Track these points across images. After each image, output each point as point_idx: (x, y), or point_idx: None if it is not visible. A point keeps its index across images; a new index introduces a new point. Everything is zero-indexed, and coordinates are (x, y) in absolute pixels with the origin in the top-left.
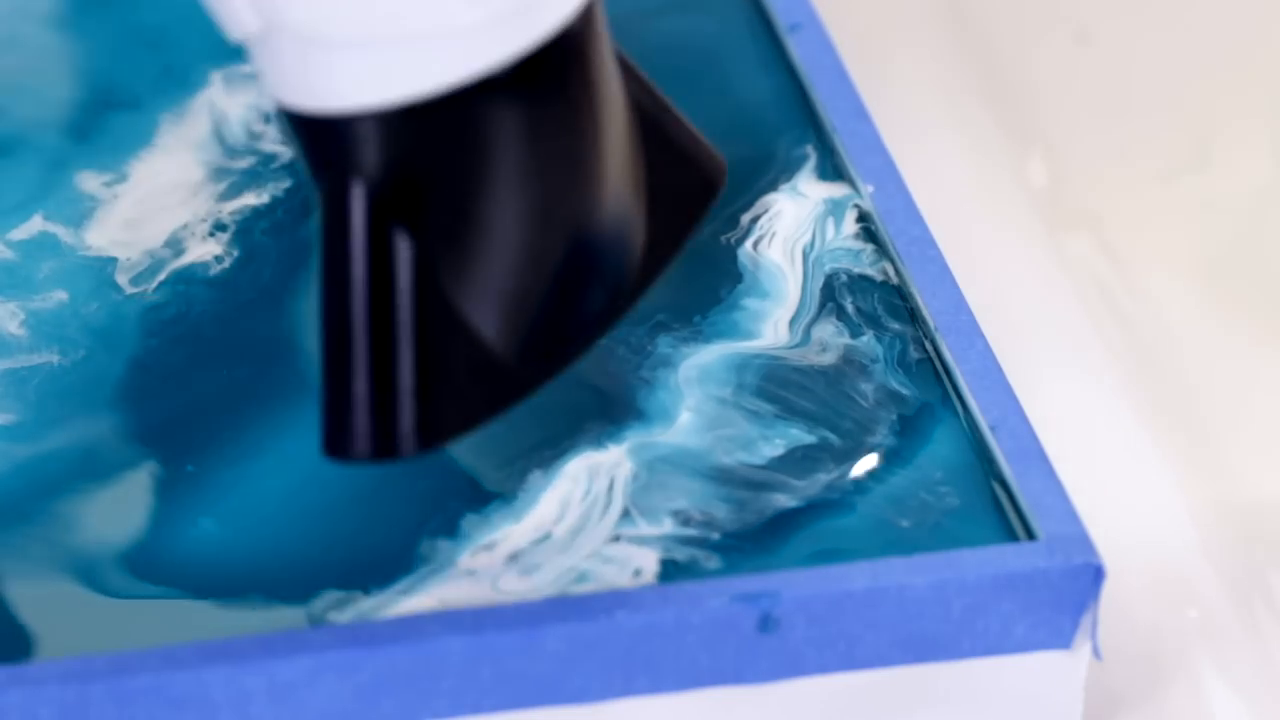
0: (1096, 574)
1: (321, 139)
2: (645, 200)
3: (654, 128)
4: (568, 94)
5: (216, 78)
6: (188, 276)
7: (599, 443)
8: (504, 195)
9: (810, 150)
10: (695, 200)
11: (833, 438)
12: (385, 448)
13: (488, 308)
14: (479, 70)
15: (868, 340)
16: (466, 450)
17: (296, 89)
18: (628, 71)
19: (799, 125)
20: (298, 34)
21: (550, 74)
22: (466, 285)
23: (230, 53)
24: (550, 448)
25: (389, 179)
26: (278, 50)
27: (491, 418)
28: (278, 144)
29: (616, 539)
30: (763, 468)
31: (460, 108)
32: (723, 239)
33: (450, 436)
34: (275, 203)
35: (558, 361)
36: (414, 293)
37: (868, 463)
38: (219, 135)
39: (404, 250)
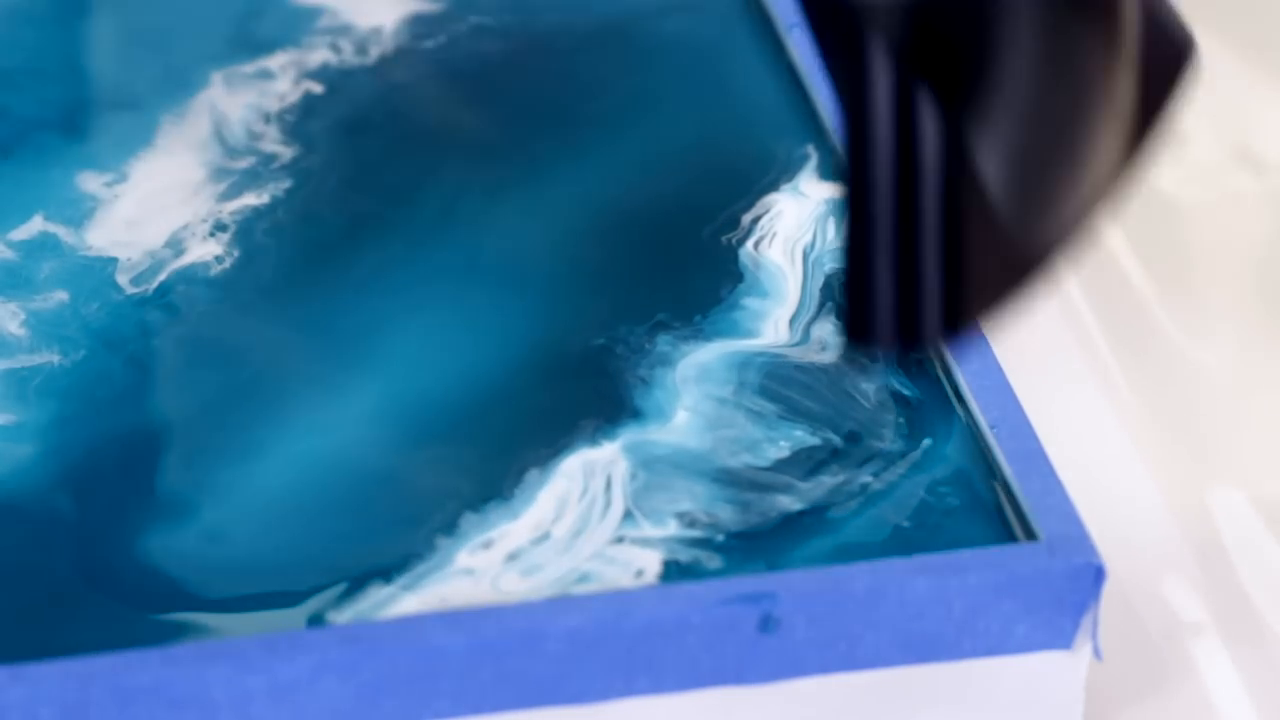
0: (1097, 574)
1: (843, 12)
2: (1138, 66)
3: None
4: None
5: (216, 78)
6: (188, 276)
7: (594, 440)
8: (1027, 59)
9: (811, 150)
10: (1170, 73)
11: (833, 438)
12: (910, 338)
13: (1011, 188)
14: None
15: None
16: (464, 448)
17: None
18: None
19: (799, 125)
20: None
21: None
22: (991, 160)
23: (230, 53)
24: (546, 445)
25: (912, 49)
26: None
27: (1010, 302)
28: (278, 144)
29: (620, 540)
30: (763, 468)
31: None
32: (723, 239)
33: (972, 323)
34: (275, 203)
35: (1066, 234)
36: (938, 169)
37: (868, 463)
38: (219, 135)
39: (928, 122)
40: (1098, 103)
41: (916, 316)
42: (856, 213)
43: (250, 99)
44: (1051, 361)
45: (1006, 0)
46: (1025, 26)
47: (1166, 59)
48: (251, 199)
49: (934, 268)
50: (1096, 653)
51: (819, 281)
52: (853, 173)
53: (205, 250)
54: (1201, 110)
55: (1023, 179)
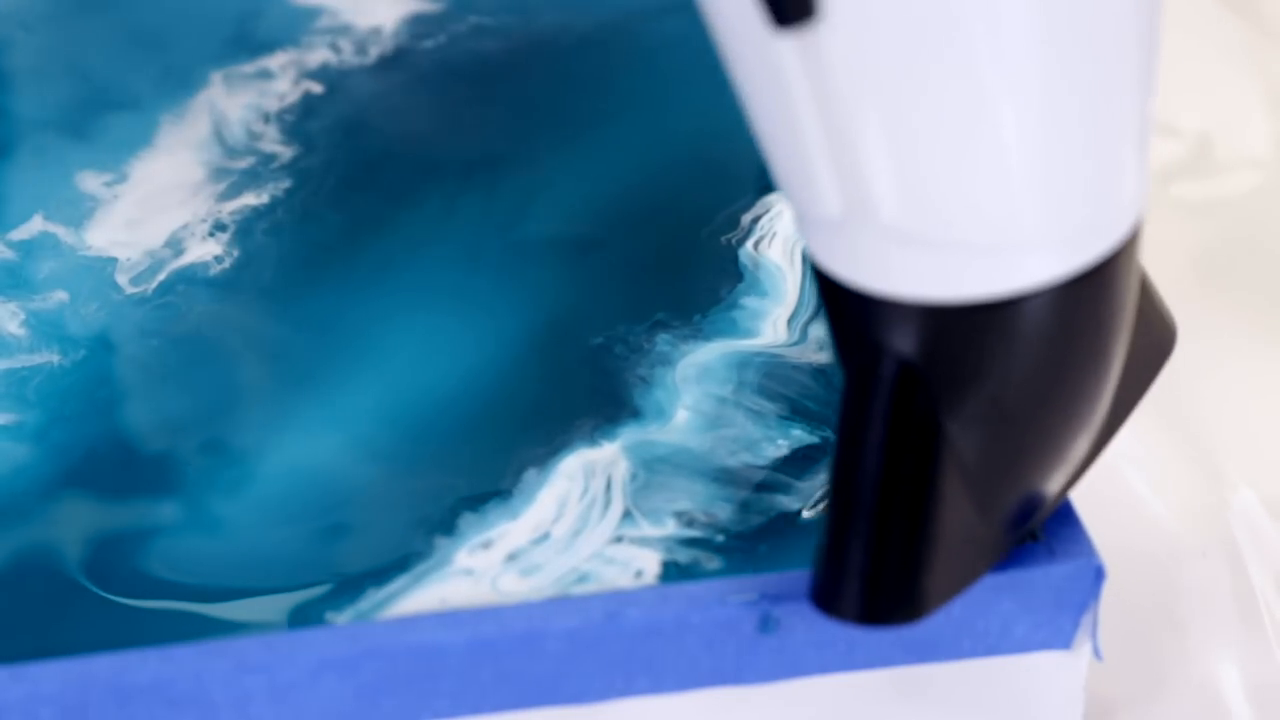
0: (1097, 574)
1: (861, 314)
2: (1122, 370)
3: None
4: (1103, 305)
5: (216, 78)
6: (188, 276)
7: (594, 440)
8: (1026, 386)
9: None
10: (1153, 361)
11: (833, 437)
12: (874, 615)
13: (989, 486)
14: (1030, 285)
15: None
16: (464, 447)
17: (850, 266)
18: None
19: None
20: (874, 227)
21: (1096, 287)
22: (975, 463)
23: (230, 53)
24: (546, 445)
25: (920, 355)
26: (845, 230)
27: (968, 586)
28: (277, 144)
29: (619, 540)
30: (763, 468)
31: (1002, 310)
32: (723, 239)
33: (934, 607)
34: (275, 203)
35: (1024, 528)
36: (926, 465)
37: None
38: (219, 135)
39: (924, 421)
40: (1083, 419)
41: (881, 598)
42: (840, 484)
43: (250, 99)
44: None
45: (1015, 323)
46: (1027, 348)
47: (1148, 353)
48: (251, 199)
49: (905, 555)
50: (1096, 653)
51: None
52: (842, 448)
53: (205, 250)
54: (1200, 109)
55: (1002, 475)
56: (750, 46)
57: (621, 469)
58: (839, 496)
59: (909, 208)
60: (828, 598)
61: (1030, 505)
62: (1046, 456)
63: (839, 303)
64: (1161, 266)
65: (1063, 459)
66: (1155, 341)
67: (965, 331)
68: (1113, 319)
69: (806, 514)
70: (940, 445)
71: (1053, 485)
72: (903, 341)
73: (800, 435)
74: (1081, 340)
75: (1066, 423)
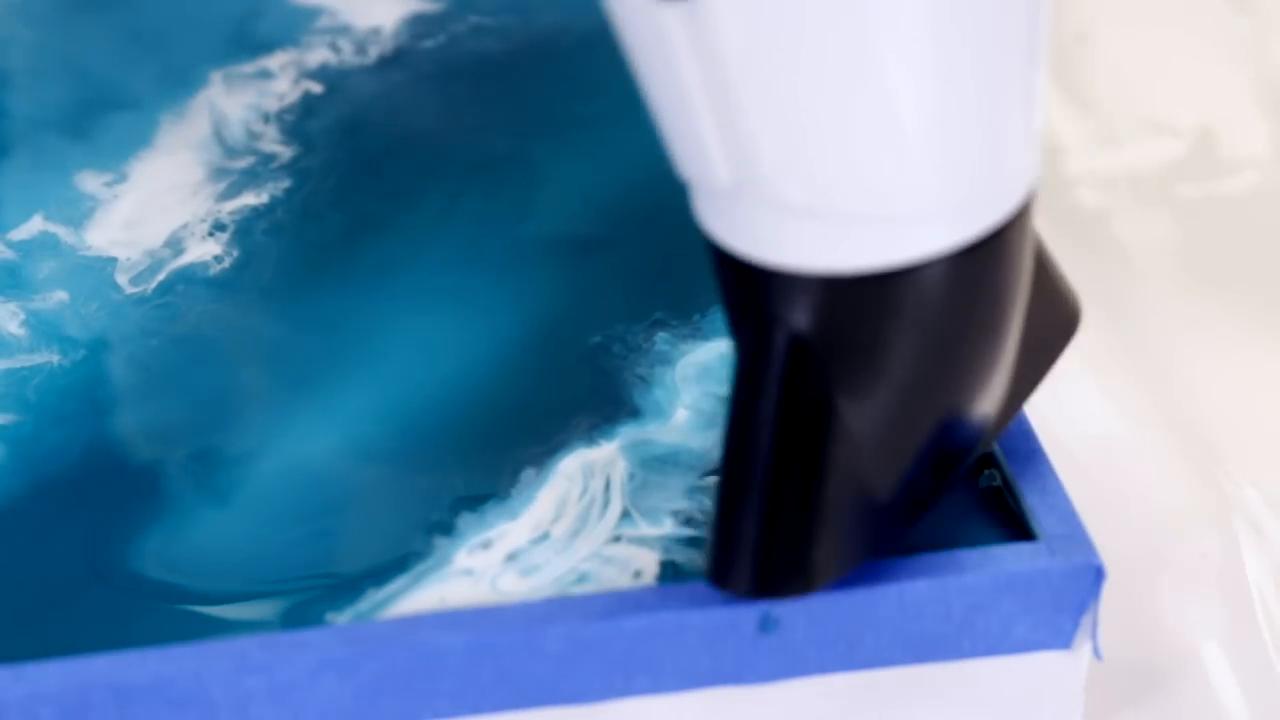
0: (1096, 574)
1: (752, 285)
2: (1021, 344)
3: (1034, 268)
4: (996, 276)
5: (216, 78)
6: (188, 276)
7: (593, 440)
8: (918, 358)
9: None
10: (1056, 340)
11: None
12: (766, 588)
13: (882, 458)
14: (919, 257)
15: None
16: (463, 447)
17: (741, 238)
18: None
19: None
20: (763, 196)
21: (986, 258)
22: (868, 436)
23: (230, 53)
24: (543, 444)
25: (812, 327)
26: (735, 203)
27: (861, 561)
28: (277, 144)
29: (618, 539)
30: None
31: (897, 279)
32: None
33: (826, 580)
34: (275, 203)
35: (923, 504)
36: (817, 438)
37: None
38: (219, 135)
39: (815, 393)
40: (977, 392)
41: (774, 570)
42: (732, 458)
43: (250, 99)
44: None
45: (906, 295)
46: (918, 320)
47: (1051, 330)
48: (251, 199)
49: (796, 527)
50: (1096, 653)
51: None
52: (734, 420)
53: (204, 250)
54: (1201, 109)
55: (894, 448)
56: (638, 14)
57: (620, 469)
58: (730, 469)
59: (795, 177)
60: (721, 572)
61: (929, 478)
62: (941, 429)
63: (730, 274)
64: (1162, 266)
65: (959, 431)
66: (1059, 318)
67: (855, 303)
68: (1005, 292)
69: None
70: (831, 418)
71: (951, 457)
72: (793, 313)
73: None
74: (973, 313)
75: (960, 395)
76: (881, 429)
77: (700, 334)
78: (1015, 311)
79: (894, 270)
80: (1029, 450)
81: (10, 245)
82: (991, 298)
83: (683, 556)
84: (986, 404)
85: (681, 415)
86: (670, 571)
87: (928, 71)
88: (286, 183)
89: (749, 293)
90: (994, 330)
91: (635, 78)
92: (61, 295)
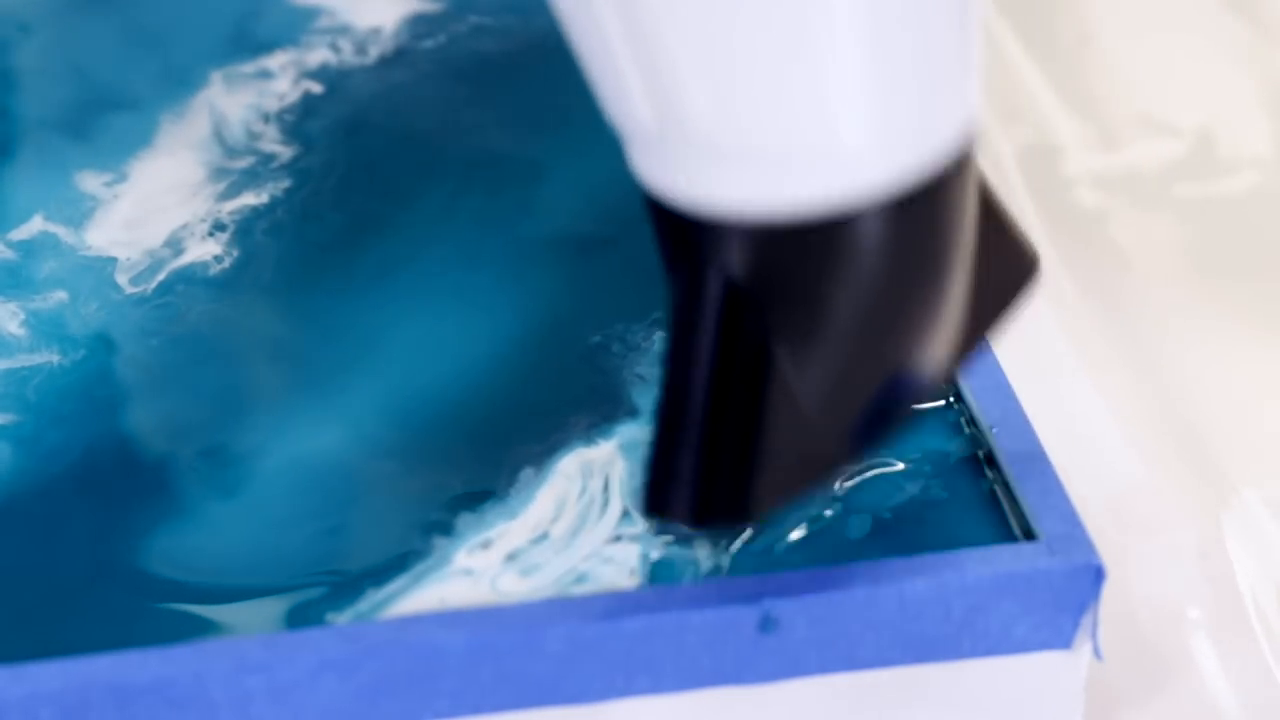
0: (1097, 574)
1: (685, 232)
2: (971, 292)
3: (985, 214)
4: (935, 221)
5: (216, 78)
6: (188, 276)
7: (592, 439)
8: (856, 303)
9: None
10: (1010, 288)
11: None
12: (703, 518)
13: (822, 398)
14: (852, 204)
15: None
16: (463, 447)
17: (672, 185)
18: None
19: None
20: (689, 141)
21: (924, 206)
22: (806, 376)
23: (230, 53)
24: (543, 444)
25: (747, 273)
26: (663, 148)
27: (802, 495)
28: (277, 144)
29: (617, 539)
30: None
31: (831, 226)
32: None
33: (763, 513)
34: (275, 203)
35: (871, 444)
36: (755, 376)
37: (867, 463)
38: (219, 135)
39: (752, 336)
40: (919, 339)
41: (712, 500)
42: (670, 397)
43: (250, 99)
44: (1052, 362)
45: (840, 244)
46: (855, 271)
47: (1004, 279)
48: (251, 199)
49: (733, 461)
50: (1096, 653)
51: None
52: (672, 364)
53: (204, 250)
54: (1201, 109)
55: (834, 393)
56: None
57: (619, 468)
58: (669, 408)
59: (721, 120)
60: (658, 502)
61: (873, 420)
62: (881, 375)
63: (664, 222)
64: (1161, 266)
65: (902, 378)
66: (1012, 268)
67: (790, 252)
68: (944, 242)
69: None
70: (768, 363)
71: (896, 402)
72: (727, 260)
73: None
74: (912, 262)
75: (900, 342)
76: (820, 373)
77: None
78: (957, 261)
79: (828, 219)
80: (1029, 450)
81: (10, 245)
82: (931, 248)
83: (682, 556)
84: (933, 350)
85: None
86: (669, 571)
87: (860, 8)
88: (286, 182)
89: (683, 240)
90: (934, 279)
91: (558, 19)
92: (61, 295)
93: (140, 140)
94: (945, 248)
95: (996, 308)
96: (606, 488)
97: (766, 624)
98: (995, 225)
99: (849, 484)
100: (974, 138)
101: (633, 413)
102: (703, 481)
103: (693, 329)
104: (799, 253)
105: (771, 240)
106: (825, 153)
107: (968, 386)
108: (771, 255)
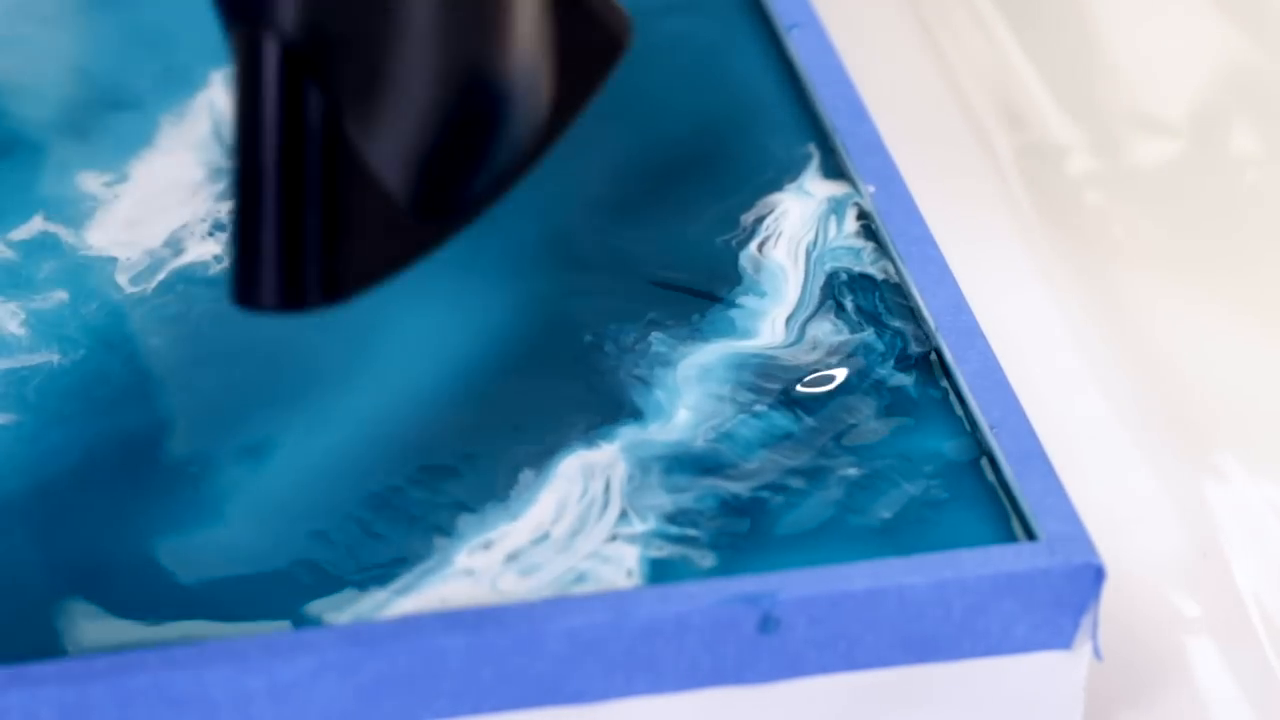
0: (1097, 574)
1: None
2: (553, 58)
3: None
4: None
5: (216, 78)
6: (188, 276)
7: (592, 441)
8: (412, 52)
9: (813, 149)
10: (600, 59)
11: (832, 438)
12: (292, 299)
13: (394, 162)
14: None
15: (868, 339)
16: (463, 447)
17: None
18: None
19: (799, 125)
20: None
21: None
22: (374, 139)
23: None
24: (543, 445)
25: (299, 33)
26: None
27: (396, 272)
28: None
29: (616, 539)
30: (759, 467)
31: None
32: (723, 238)
33: (355, 290)
34: None
35: (461, 218)
36: (321, 146)
37: (868, 463)
38: (219, 135)
39: (313, 104)
40: (486, 96)
41: (299, 281)
42: (243, 180)
43: None
44: (1051, 362)
45: (396, 17)
46: (411, 40)
47: (591, 50)
48: None
49: (316, 237)
50: (1096, 653)
51: (819, 281)
52: (240, 147)
53: (204, 250)
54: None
55: (412, 167)
56: None
57: (620, 470)
58: (244, 191)
59: None
60: (246, 291)
61: (466, 188)
62: (460, 133)
63: None
64: (1162, 264)
65: (487, 138)
66: (598, 41)
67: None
68: None
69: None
70: (333, 130)
71: (489, 168)
72: (271, 15)
73: (799, 435)
74: (458, 7)
75: (467, 97)
76: (389, 131)
77: (700, 335)
78: (510, 6)
79: None
80: (1029, 450)
81: (10, 245)
82: None
83: (682, 556)
84: (517, 110)
85: (682, 416)
86: (669, 570)
87: None
88: None
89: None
90: (490, 26)
91: None
92: (61, 295)
93: (140, 140)
94: None
95: (585, 83)
96: (607, 489)
97: (766, 624)
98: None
99: (850, 484)
100: None
101: (634, 415)
102: (287, 264)
103: (255, 103)
104: (356, 20)
105: None
106: None
107: (967, 386)
108: (314, 4)
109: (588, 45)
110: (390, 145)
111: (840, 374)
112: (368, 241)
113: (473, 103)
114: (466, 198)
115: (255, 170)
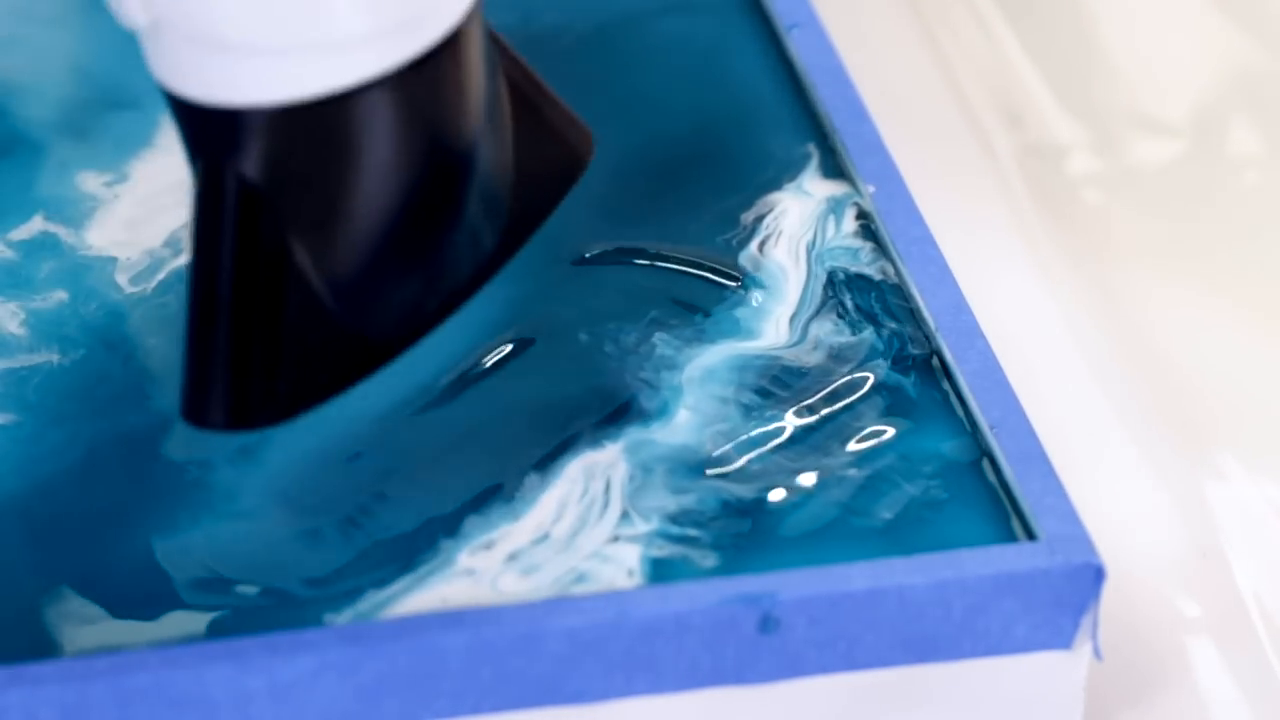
0: (1097, 574)
1: (198, 123)
2: (513, 177)
3: (525, 105)
4: (441, 93)
5: None
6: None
7: (595, 442)
8: (371, 187)
9: (812, 149)
10: (562, 175)
11: (833, 438)
12: (239, 420)
13: (349, 290)
14: (358, 78)
15: (868, 339)
16: (464, 447)
17: (176, 77)
18: (501, 50)
19: (799, 125)
20: (182, 33)
21: (427, 76)
22: (330, 269)
23: None
24: (547, 446)
25: (260, 166)
26: (162, 40)
27: (344, 389)
28: None
29: (616, 539)
30: (761, 468)
31: (334, 108)
32: (724, 238)
33: (301, 409)
34: None
35: (412, 336)
36: (273, 274)
37: (868, 463)
38: None
39: (267, 234)
40: (441, 223)
41: (247, 402)
42: (197, 304)
43: None
44: (1051, 361)
45: (355, 155)
46: (370, 176)
47: (551, 169)
48: None
49: (264, 362)
50: (1096, 653)
51: (820, 280)
52: (195, 272)
53: None
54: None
55: (365, 293)
56: None
57: (621, 470)
58: (197, 312)
59: (190, 9)
60: (195, 409)
61: (407, 313)
62: (414, 261)
63: (179, 115)
64: (1161, 266)
65: (441, 263)
66: (561, 156)
67: (292, 137)
68: (451, 118)
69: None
70: (285, 260)
71: (432, 289)
72: (239, 154)
73: (799, 435)
74: (419, 140)
75: (423, 225)
76: (343, 262)
77: (704, 336)
78: (470, 139)
79: (319, 100)
80: (1029, 450)
81: (10, 245)
82: (436, 124)
83: (682, 556)
84: (467, 236)
85: (684, 417)
86: (668, 570)
87: None
88: None
89: (197, 133)
90: (448, 158)
91: None
92: (61, 295)
93: (140, 140)
94: (453, 122)
95: (546, 197)
96: (608, 489)
97: (766, 624)
98: (537, 113)
99: (851, 484)
100: (474, 13)
101: (636, 415)
102: (235, 384)
103: (212, 230)
104: (301, 137)
105: (276, 125)
106: (313, 38)
107: (967, 386)
108: (273, 142)
109: (550, 162)
110: (343, 272)
111: (841, 374)
112: (316, 362)
113: (427, 235)
114: (418, 318)
115: (210, 296)
